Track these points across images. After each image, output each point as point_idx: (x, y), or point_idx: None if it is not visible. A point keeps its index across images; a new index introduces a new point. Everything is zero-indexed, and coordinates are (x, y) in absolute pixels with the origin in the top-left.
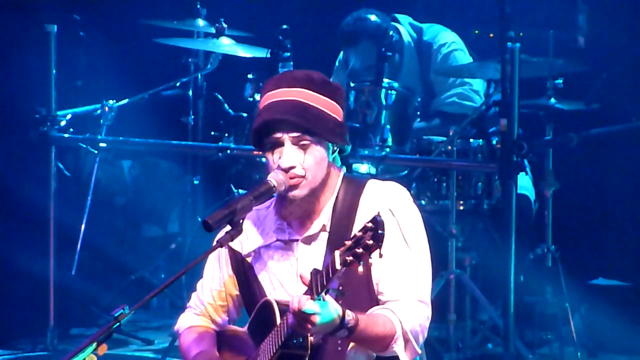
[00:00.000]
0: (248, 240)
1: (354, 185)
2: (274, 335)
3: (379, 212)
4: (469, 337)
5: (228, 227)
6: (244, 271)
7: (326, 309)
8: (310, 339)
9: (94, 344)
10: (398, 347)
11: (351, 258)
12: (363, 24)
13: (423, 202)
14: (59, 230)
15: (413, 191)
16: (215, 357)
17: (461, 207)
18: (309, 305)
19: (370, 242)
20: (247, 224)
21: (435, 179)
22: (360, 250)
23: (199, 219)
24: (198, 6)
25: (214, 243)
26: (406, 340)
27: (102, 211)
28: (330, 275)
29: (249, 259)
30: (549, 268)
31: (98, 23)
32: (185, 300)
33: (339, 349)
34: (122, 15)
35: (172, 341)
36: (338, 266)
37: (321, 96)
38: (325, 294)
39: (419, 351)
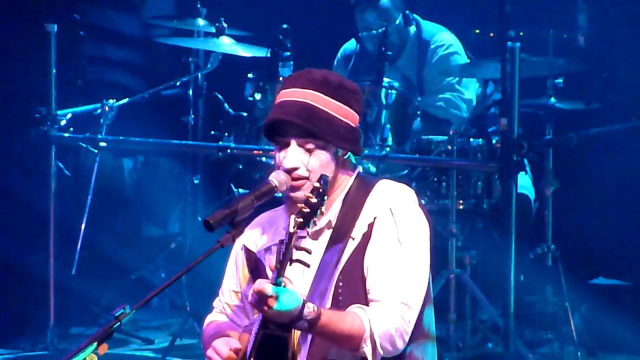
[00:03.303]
0: (261, 239)
1: (366, 184)
2: (257, 317)
3: (315, 169)
4: (469, 336)
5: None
6: (257, 270)
7: (285, 296)
8: None
9: (95, 344)
10: (367, 349)
11: (301, 220)
12: None
13: (423, 201)
14: (59, 229)
15: (413, 190)
16: (227, 328)
17: (461, 207)
18: (267, 288)
19: (315, 200)
20: (263, 224)
21: (435, 179)
22: (308, 210)
23: (199, 219)
24: (198, 5)
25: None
26: (373, 343)
27: (102, 211)
28: (288, 240)
29: (261, 258)
30: (549, 267)
31: (98, 22)
32: (185, 299)
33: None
34: (122, 14)
35: (172, 340)
36: (292, 229)
37: (333, 100)
38: (291, 265)
39: (391, 351)
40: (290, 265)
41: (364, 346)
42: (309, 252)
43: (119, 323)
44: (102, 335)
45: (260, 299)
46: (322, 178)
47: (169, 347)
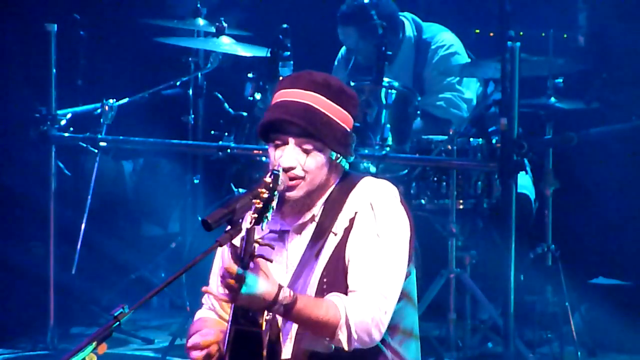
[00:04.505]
0: None
1: (350, 181)
2: (230, 314)
3: (277, 166)
4: (469, 336)
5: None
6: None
7: (252, 280)
8: (266, 317)
9: (94, 343)
10: (342, 336)
11: (256, 215)
12: (352, 5)
13: (423, 201)
14: (59, 229)
15: (413, 190)
16: (209, 330)
17: (461, 206)
18: (234, 267)
19: (267, 195)
20: (248, 220)
21: (435, 178)
22: (261, 205)
23: (199, 218)
24: (198, 5)
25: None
26: (348, 330)
27: (102, 210)
28: (247, 236)
29: None
30: (549, 267)
31: (98, 22)
32: (185, 299)
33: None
34: (122, 14)
35: (172, 340)
36: (248, 225)
37: (334, 104)
38: (252, 260)
39: (367, 341)
40: (253, 260)
41: (339, 333)
42: (272, 247)
43: (117, 323)
44: (101, 335)
45: (228, 286)
46: (273, 173)
47: (169, 347)
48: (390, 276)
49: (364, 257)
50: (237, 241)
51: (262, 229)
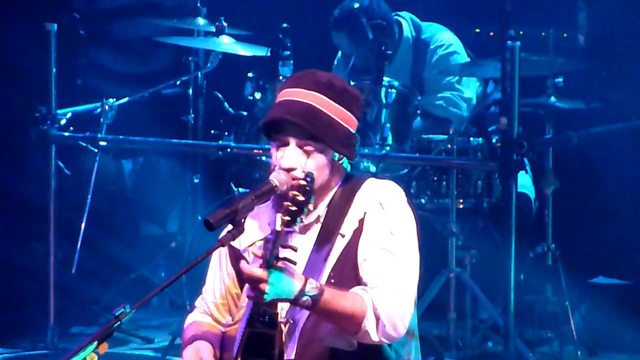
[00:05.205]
0: (245, 235)
1: (353, 182)
2: (244, 316)
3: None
4: (469, 335)
5: (230, 227)
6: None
7: (275, 278)
8: (281, 320)
9: (95, 343)
10: (369, 326)
11: (288, 218)
12: (342, 10)
13: (423, 200)
14: (59, 228)
15: (413, 190)
16: (206, 331)
17: (461, 206)
18: (258, 272)
19: (301, 198)
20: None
21: (435, 178)
22: (294, 208)
23: (199, 218)
24: (198, 5)
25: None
26: (377, 319)
27: (102, 210)
28: (275, 238)
29: (246, 254)
30: (549, 266)
31: (98, 21)
32: (185, 298)
33: (317, 330)
34: (122, 13)
35: (172, 339)
36: (278, 227)
37: (336, 104)
38: (277, 262)
39: (394, 334)
40: (276, 263)
41: (365, 324)
42: (294, 249)
43: (119, 322)
44: (103, 334)
45: (253, 285)
46: (308, 175)
47: (169, 346)
48: (407, 271)
49: (380, 254)
50: (235, 243)
51: (294, 231)
